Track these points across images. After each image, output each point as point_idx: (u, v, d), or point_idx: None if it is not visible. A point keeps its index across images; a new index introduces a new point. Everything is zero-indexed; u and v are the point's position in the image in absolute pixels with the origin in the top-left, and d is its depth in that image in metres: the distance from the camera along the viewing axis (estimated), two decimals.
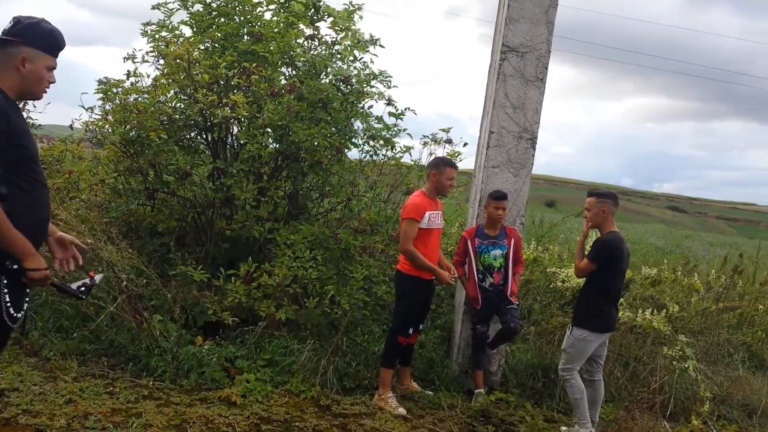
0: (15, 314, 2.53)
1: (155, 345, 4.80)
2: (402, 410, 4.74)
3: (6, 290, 2.47)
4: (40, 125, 7.64)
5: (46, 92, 2.71)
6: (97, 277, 2.94)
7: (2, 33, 2.56)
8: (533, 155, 5.65)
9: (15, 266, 2.49)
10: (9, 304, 2.49)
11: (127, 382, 4.52)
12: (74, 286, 2.86)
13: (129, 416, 3.98)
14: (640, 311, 5.81)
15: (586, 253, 4.73)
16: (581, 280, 4.97)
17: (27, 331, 4.74)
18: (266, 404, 4.50)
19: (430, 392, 5.17)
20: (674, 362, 5.31)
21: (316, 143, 5.96)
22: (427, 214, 4.85)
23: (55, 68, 2.69)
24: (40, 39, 2.59)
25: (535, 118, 5.62)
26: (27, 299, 2.64)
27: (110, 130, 6.29)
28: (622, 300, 6.06)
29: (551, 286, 6.63)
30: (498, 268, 5.21)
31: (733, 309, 7.12)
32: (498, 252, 5.22)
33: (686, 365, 5.19)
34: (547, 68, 5.63)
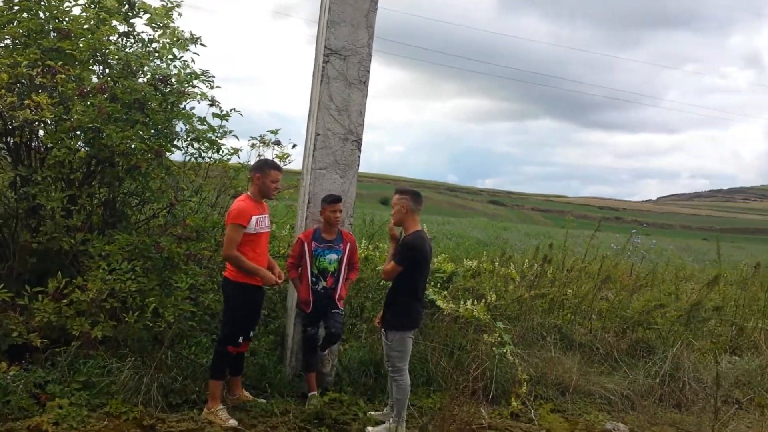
0: None
1: None
2: (233, 422, 4.63)
3: None
4: None
5: None
6: None
7: None
8: (359, 156, 5.77)
9: None
10: None
11: None
12: None
13: None
14: (462, 302, 6.16)
15: None
16: None
17: None
18: (82, 430, 4.19)
19: (263, 400, 5.10)
20: (494, 348, 5.70)
21: (132, 146, 5.61)
22: (254, 218, 4.78)
23: None
24: None
25: (360, 120, 5.75)
26: None
27: None
28: (445, 292, 6.40)
29: (382, 283, 6.81)
30: (332, 272, 5.26)
31: (544, 295, 7.78)
32: (334, 256, 5.27)
33: (504, 350, 5.60)
34: (369, 71, 5.77)
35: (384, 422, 4.85)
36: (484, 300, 6.45)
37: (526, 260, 8.62)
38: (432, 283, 6.62)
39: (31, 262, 5.48)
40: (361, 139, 5.77)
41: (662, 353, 7.02)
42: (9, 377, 4.41)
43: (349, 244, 5.38)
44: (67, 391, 4.52)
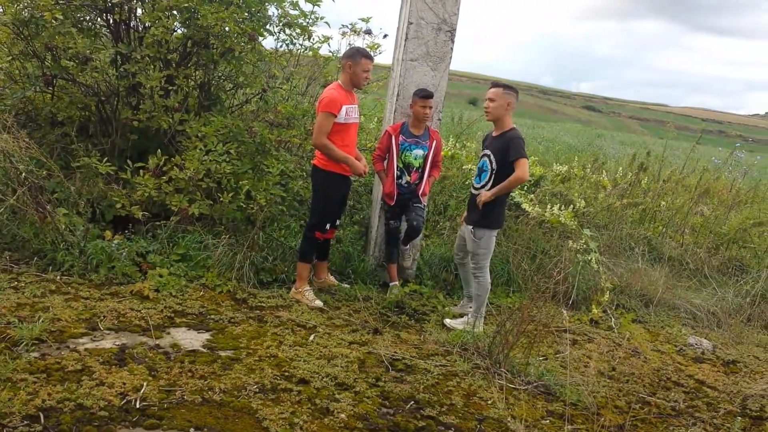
0: None
1: (61, 239, 4.61)
2: (319, 302, 4.83)
3: None
4: None
5: None
6: None
7: None
8: (452, 48, 5.56)
9: None
10: None
11: (32, 277, 4.37)
12: None
13: (35, 311, 3.86)
14: (549, 206, 6.04)
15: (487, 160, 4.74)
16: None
17: None
18: (180, 298, 4.48)
19: (346, 285, 5.28)
20: (578, 255, 5.61)
21: (227, 29, 5.62)
22: (344, 108, 4.74)
23: None
24: None
25: (455, 9, 5.49)
26: None
27: (1, 10, 5.71)
28: (532, 195, 6.28)
29: (467, 182, 6.76)
30: (417, 167, 5.24)
31: (636, 205, 7.53)
32: (420, 152, 5.22)
33: (589, 257, 5.50)
34: None
35: (462, 316, 4.95)
36: (572, 206, 6.30)
37: (620, 168, 8.27)
38: (519, 186, 6.49)
39: (132, 139, 5.72)
40: (455, 29, 5.54)
41: (755, 273, 6.74)
42: (114, 245, 4.72)
43: (435, 142, 5.31)
44: (167, 262, 4.81)
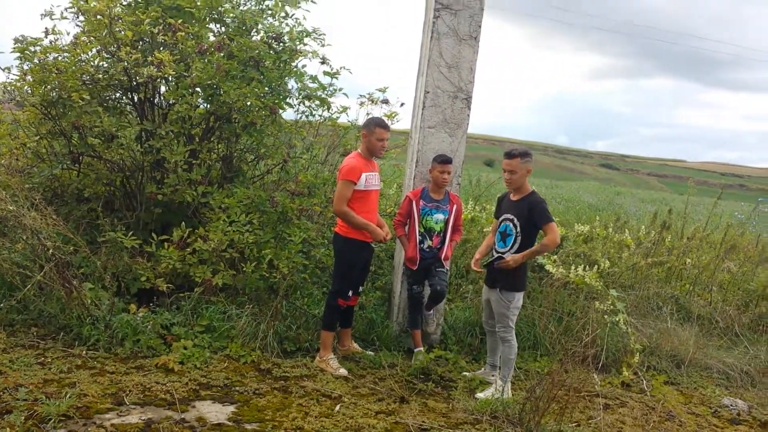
0: None
1: (87, 314, 4.65)
2: (343, 371, 4.77)
3: None
4: None
5: None
6: None
7: None
8: (468, 115, 5.67)
9: None
10: None
11: (59, 352, 4.38)
12: None
13: (62, 386, 3.86)
14: (573, 267, 5.98)
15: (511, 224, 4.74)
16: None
17: None
18: (205, 370, 4.45)
19: (371, 353, 5.22)
20: (605, 316, 5.51)
21: (248, 103, 5.80)
22: (364, 175, 4.81)
23: None
24: None
25: (470, 77, 5.63)
26: None
27: (29, 91, 5.94)
28: (555, 257, 6.23)
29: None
30: (438, 231, 5.25)
31: (661, 263, 7.42)
32: (440, 216, 5.25)
33: (617, 319, 5.39)
34: (480, 26, 5.62)
35: (485, 382, 4.85)
36: (596, 266, 6.23)
37: (643, 227, 8.21)
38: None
39: (157, 213, 5.82)
40: (471, 97, 5.66)
41: None
42: (139, 318, 4.74)
43: (455, 206, 5.34)
44: (191, 334, 4.80)
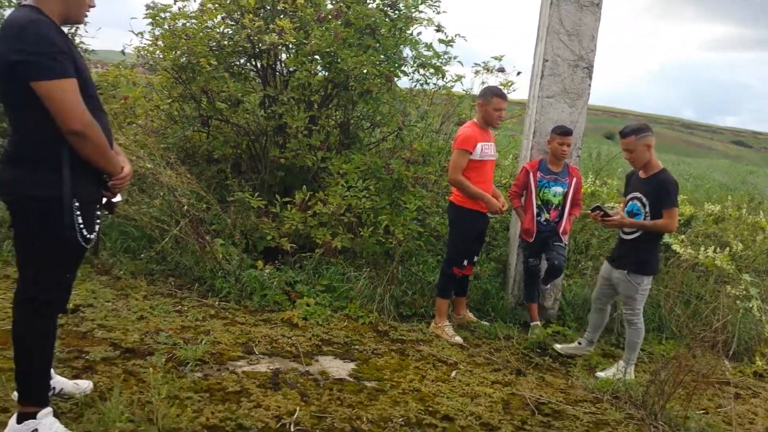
0: (88, 235, 2.57)
1: (218, 268, 4.90)
2: (458, 338, 4.78)
3: (78, 212, 2.51)
4: (93, 51, 7.67)
5: (87, 16, 2.65)
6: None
7: None
8: (590, 85, 5.46)
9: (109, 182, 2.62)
10: (82, 226, 2.53)
11: (194, 302, 4.65)
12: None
13: (198, 333, 4.09)
14: (703, 249, 5.67)
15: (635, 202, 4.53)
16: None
17: (98, 251, 4.86)
18: (326, 327, 4.59)
19: (486, 323, 5.19)
20: (738, 301, 5.21)
21: (365, 71, 5.83)
22: (479, 145, 4.74)
23: None
24: None
25: (591, 45, 5.41)
26: (98, 221, 2.67)
27: (161, 56, 6.26)
28: (683, 236, 5.93)
29: None
30: (556, 205, 5.12)
31: None
32: (559, 189, 5.11)
33: (750, 305, 5.09)
34: None
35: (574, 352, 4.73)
36: (728, 248, 5.87)
37: None
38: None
39: (279, 176, 6.03)
40: (592, 66, 5.44)
41: None
42: (265, 274, 4.95)
43: (575, 179, 5.17)
44: (313, 292, 4.97)
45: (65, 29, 2.59)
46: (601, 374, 4.51)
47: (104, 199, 2.69)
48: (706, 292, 5.69)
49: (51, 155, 2.44)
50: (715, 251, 5.62)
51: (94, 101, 2.59)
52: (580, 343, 4.90)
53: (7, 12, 6.79)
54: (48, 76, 2.33)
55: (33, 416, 2.60)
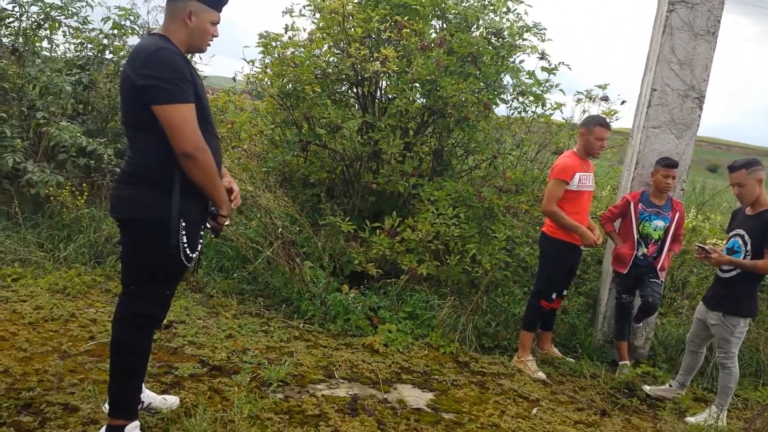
0: (191, 254, 2.73)
1: (306, 290, 5.08)
2: (542, 374, 4.68)
3: (184, 232, 2.66)
4: (205, 76, 8.19)
5: (209, 45, 2.82)
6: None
7: None
8: (699, 116, 5.26)
9: (213, 210, 2.78)
10: (186, 245, 2.68)
11: (280, 322, 4.84)
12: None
13: (282, 354, 4.25)
14: None
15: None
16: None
17: (196, 270, 5.18)
18: (407, 355, 4.64)
19: (571, 359, 5.06)
20: None
21: (463, 98, 5.88)
22: (578, 175, 4.65)
23: (218, 22, 2.78)
24: None
25: (704, 75, 5.22)
26: (201, 240, 2.83)
27: (269, 83, 6.60)
28: None
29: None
30: (656, 239, 4.94)
31: None
32: (660, 223, 4.93)
33: None
34: (719, 21, 5.20)
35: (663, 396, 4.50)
36: None
37: None
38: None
39: (371, 201, 6.18)
40: (704, 96, 5.24)
41: None
42: (350, 298, 5.08)
43: (678, 213, 4.97)
44: (395, 318, 5.03)
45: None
46: (691, 419, 4.29)
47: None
48: None
49: (164, 177, 2.60)
50: None
51: (210, 127, 2.77)
52: (670, 386, 4.69)
53: (135, 40, 7.42)
54: (168, 100, 2.51)
55: (121, 429, 2.76)
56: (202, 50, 2.81)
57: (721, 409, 4.26)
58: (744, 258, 4.18)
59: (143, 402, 3.05)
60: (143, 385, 3.02)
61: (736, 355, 4.29)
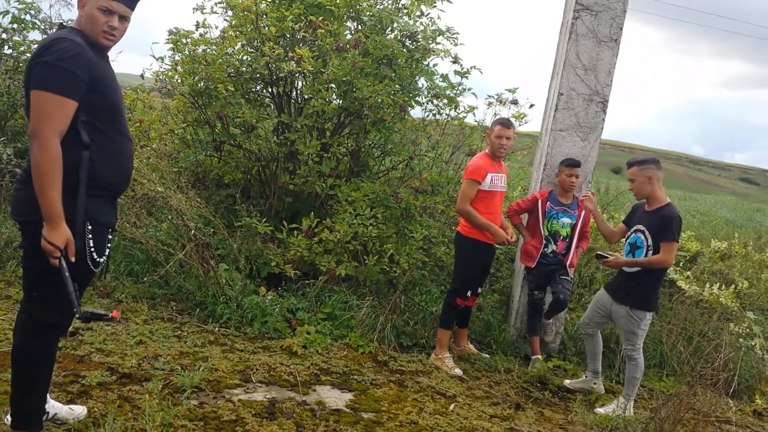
0: (98, 259, 2.61)
1: (221, 293, 4.94)
2: (458, 371, 4.77)
3: (90, 236, 2.54)
4: None
5: (108, 39, 2.57)
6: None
7: None
8: (603, 119, 5.52)
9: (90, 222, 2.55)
10: (93, 249, 2.56)
11: (194, 327, 4.69)
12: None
13: (196, 359, 4.12)
14: (707, 285, 5.64)
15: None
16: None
17: (105, 274, 4.94)
18: (326, 356, 4.61)
19: (486, 355, 5.19)
20: (740, 339, 5.17)
21: (379, 100, 5.91)
22: (489, 176, 4.77)
23: (109, 10, 2.53)
24: None
25: (608, 80, 5.47)
26: (109, 244, 2.70)
27: (179, 81, 6.39)
28: (688, 273, 5.90)
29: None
30: (564, 236, 5.13)
31: None
32: (567, 220, 5.13)
33: (753, 343, 5.05)
34: (622, 28, 5.47)
35: (585, 390, 4.70)
36: (733, 286, 5.83)
37: None
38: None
39: (288, 202, 6.10)
40: (607, 100, 5.50)
41: None
42: (267, 300, 4.99)
43: (584, 212, 5.19)
44: (314, 320, 4.99)
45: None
46: (600, 410, 4.49)
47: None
48: (709, 329, 5.65)
49: (68, 177, 2.43)
50: (720, 288, 5.58)
51: (123, 128, 2.66)
52: (586, 377, 4.89)
53: (36, 35, 7.04)
54: (43, 87, 2.37)
55: None
56: (99, 44, 2.57)
57: (628, 399, 4.47)
58: (647, 253, 4.41)
59: (48, 413, 2.90)
60: (48, 395, 2.86)
61: (642, 347, 4.53)
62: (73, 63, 2.40)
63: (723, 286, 5.73)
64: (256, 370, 4.15)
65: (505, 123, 4.90)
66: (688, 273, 5.83)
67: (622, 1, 5.42)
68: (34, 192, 2.41)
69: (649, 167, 4.46)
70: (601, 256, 4.59)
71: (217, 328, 4.73)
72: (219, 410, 3.51)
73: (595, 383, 4.81)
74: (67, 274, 2.47)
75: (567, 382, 4.88)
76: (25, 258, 2.62)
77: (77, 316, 2.57)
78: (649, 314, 4.49)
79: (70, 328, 3.88)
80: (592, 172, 5.56)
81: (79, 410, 3.11)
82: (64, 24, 2.66)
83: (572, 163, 5.10)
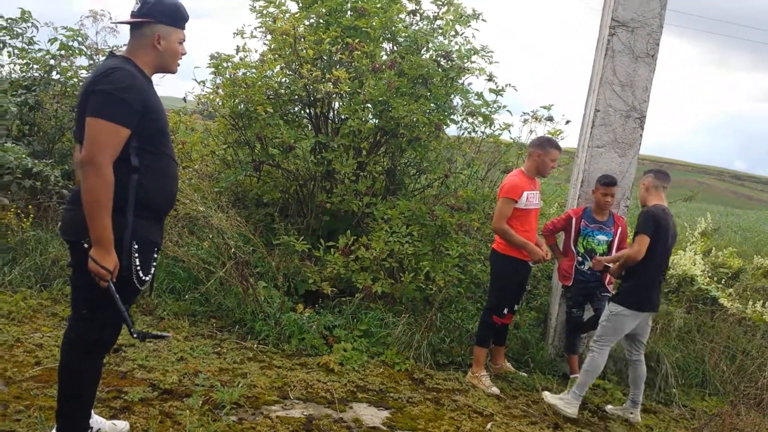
0: (144, 277, 2.69)
1: (260, 310, 5.04)
2: (495, 389, 4.75)
3: (137, 255, 2.63)
4: None
5: (179, 65, 2.83)
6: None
7: (133, 15, 2.70)
8: (641, 135, 5.48)
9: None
10: (139, 268, 2.65)
11: (233, 344, 4.78)
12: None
13: (235, 376, 4.21)
14: (751, 303, 5.51)
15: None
16: (687, 267, 4.74)
17: (151, 292, 5.07)
18: (362, 373, 4.64)
19: (524, 374, 5.15)
20: None
21: (415, 119, 5.99)
22: (525, 194, 4.78)
23: (185, 40, 2.80)
24: (169, 15, 2.71)
25: (645, 96, 5.44)
26: (155, 263, 2.79)
27: (220, 104, 6.59)
28: (731, 290, 5.78)
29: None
30: (601, 253, 5.09)
31: None
32: (603, 238, 5.10)
33: None
34: (658, 44, 5.44)
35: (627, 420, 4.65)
36: None
37: None
38: (715, 279, 6.01)
39: (325, 220, 6.20)
40: (644, 116, 5.47)
41: None
42: (305, 318, 5.06)
43: (620, 228, 5.15)
44: (350, 337, 5.04)
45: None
46: (546, 394, 4.64)
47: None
48: (752, 347, 5.52)
49: (117, 197, 2.51)
50: (763, 306, 5.45)
51: (169, 151, 2.77)
52: (625, 405, 4.80)
53: (83, 61, 7.33)
54: (100, 114, 2.48)
55: None
56: (172, 71, 2.81)
57: (576, 396, 4.50)
58: None
59: (92, 428, 2.97)
60: (92, 410, 2.95)
61: (607, 346, 4.52)
62: (128, 93, 2.53)
63: (766, 304, 5.59)
64: (294, 386, 4.21)
65: (560, 147, 4.97)
66: (731, 290, 5.71)
67: (658, 17, 5.39)
68: (82, 213, 2.51)
69: (647, 176, 4.59)
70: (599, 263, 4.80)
71: (255, 345, 4.81)
72: (257, 426, 3.57)
73: (631, 413, 4.69)
74: (117, 296, 2.57)
75: (609, 407, 4.77)
76: (75, 276, 2.72)
77: (134, 336, 2.67)
78: (621, 308, 4.46)
79: (114, 345, 4.03)
80: (630, 188, 5.52)
81: (122, 425, 3.19)
82: (114, 52, 2.81)
83: (608, 182, 5.07)
